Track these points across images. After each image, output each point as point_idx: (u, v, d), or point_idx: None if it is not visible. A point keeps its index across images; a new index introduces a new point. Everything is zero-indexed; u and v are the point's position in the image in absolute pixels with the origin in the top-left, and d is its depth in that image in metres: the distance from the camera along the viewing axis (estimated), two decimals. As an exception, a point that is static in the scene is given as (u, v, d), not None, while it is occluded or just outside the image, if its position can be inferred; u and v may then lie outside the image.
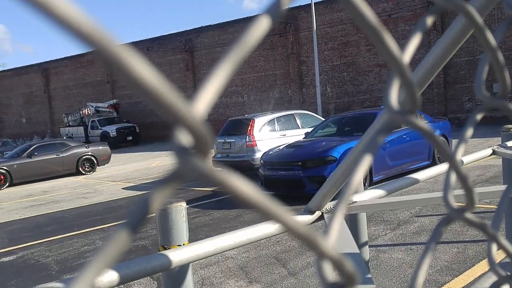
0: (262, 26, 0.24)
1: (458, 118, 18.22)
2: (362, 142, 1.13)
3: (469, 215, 0.38)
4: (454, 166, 0.35)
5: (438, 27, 18.19)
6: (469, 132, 0.43)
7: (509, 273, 0.46)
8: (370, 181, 7.76)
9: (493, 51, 0.39)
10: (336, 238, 0.25)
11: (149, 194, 0.19)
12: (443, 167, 2.24)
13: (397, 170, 8.33)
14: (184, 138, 0.19)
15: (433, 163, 8.82)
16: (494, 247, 0.47)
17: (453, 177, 0.39)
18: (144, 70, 0.16)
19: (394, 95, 0.31)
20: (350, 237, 1.19)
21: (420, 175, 1.99)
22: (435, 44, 0.87)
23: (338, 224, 0.26)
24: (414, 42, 0.35)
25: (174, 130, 0.19)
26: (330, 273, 0.24)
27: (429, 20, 0.36)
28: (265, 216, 0.20)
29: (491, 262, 0.46)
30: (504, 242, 0.42)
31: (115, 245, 0.17)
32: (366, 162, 0.29)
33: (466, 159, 2.63)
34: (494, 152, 2.94)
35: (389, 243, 5.13)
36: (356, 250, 1.12)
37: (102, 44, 0.15)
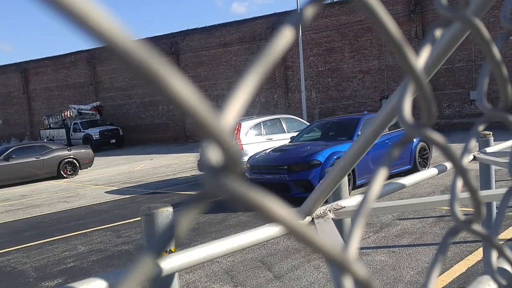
0: (286, 38, 0.23)
1: (438, 124, 18.59)
2: (356, 145, 1.14)
3: (476, 227, 0.38)
4: (466, 179, 0.35)
5: (419, 35, 18.58)
6: (473, 143, 0.43)
7: (508, 282, 0.46)
8: (353, 185, 7.85)
9: (498, 65, 0.39)
10: (355, 251, 0.25)
11: (177, 217, 0.18)
12: (429, 172, 2.28)
13: (380, 174, 8.43)
14: (214, 155, 0.18)
15: (414, 168, 8.98)
16: (494, 256, 0.47)
17: (459, 188, 0.39)
18: (179, 84, 0.15)
19: (407, 108, 0.31)
20: (343, 244, 1.19)
21: (407, 180, 2.01)
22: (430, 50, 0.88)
23: (358, 238, 0.25)
24: (424, 55, 0.35)
25: (204, 147, 0.18)
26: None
27: (438, 32, 0.37)
28: (302, 243, 0.20)
29: (491, 270, 0.47)
30: (509, 253, 0.42)
31: (141, 271, 0.16)
32: (382, 174, 0.29)
33: (448, 164, 2.68)
34: (474, 158, 3.01)
35: (372, 245, 5.18)
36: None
37: (134, 53, 0.14)
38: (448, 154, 0.31)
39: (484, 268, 0.49)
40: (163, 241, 0.17)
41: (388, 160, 0.29)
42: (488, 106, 0.44)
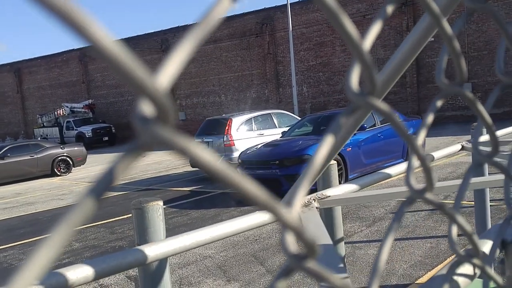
0: (224, 4, 0.25)
1: (431, 117, 18.69)
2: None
3: (429, 195, 0.40)
4: (413, 146, 0.36)
5: (411, 29, 18.62)
6: (430, 118, 0.45)
7: (466, 252, 0.49)
8: (345, 179, 7.89)
9: (449, 40, 0.41)
10: (299, 209, 0.27)
11: (114, 164, 0.19)
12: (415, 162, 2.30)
13: (371, 168, 8.48)
14: (146, 109, 0.19)
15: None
16: (454, 229, 0.49)
17: (415, 159, 0.41)
18: (110, 43, 0.17)
19: (354, 78, 0.33)
20: (325, 232, 1.21)
21: (392, 170, 2.04)
22: (403, 41, 0.91)
23: (302, 196, 0.27)
24: (375, 29, 0.37)
25: (137, 102, 0.20)
26: (292, 244, 0.26)
27: (389, 9, 0.38)
28: (224, 182, 0.21)
29: (451, 242, 0.49)
30: (462, 221, 0.44)
31: (80, 212, 0.18)
32: (328, 142, 0.30)
33: (437, 154, 2.71)
34: (463, 148, 3.05)
35: (365, 239, 5.22)
36: (330, 242, 1.15)
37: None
38: (393, 122, 0.33)
39: (448, 242, 0.51)
40: (102, 186, 0.19)
41: (335, 129, 0.31)
42: (445, 82, 0.46)
